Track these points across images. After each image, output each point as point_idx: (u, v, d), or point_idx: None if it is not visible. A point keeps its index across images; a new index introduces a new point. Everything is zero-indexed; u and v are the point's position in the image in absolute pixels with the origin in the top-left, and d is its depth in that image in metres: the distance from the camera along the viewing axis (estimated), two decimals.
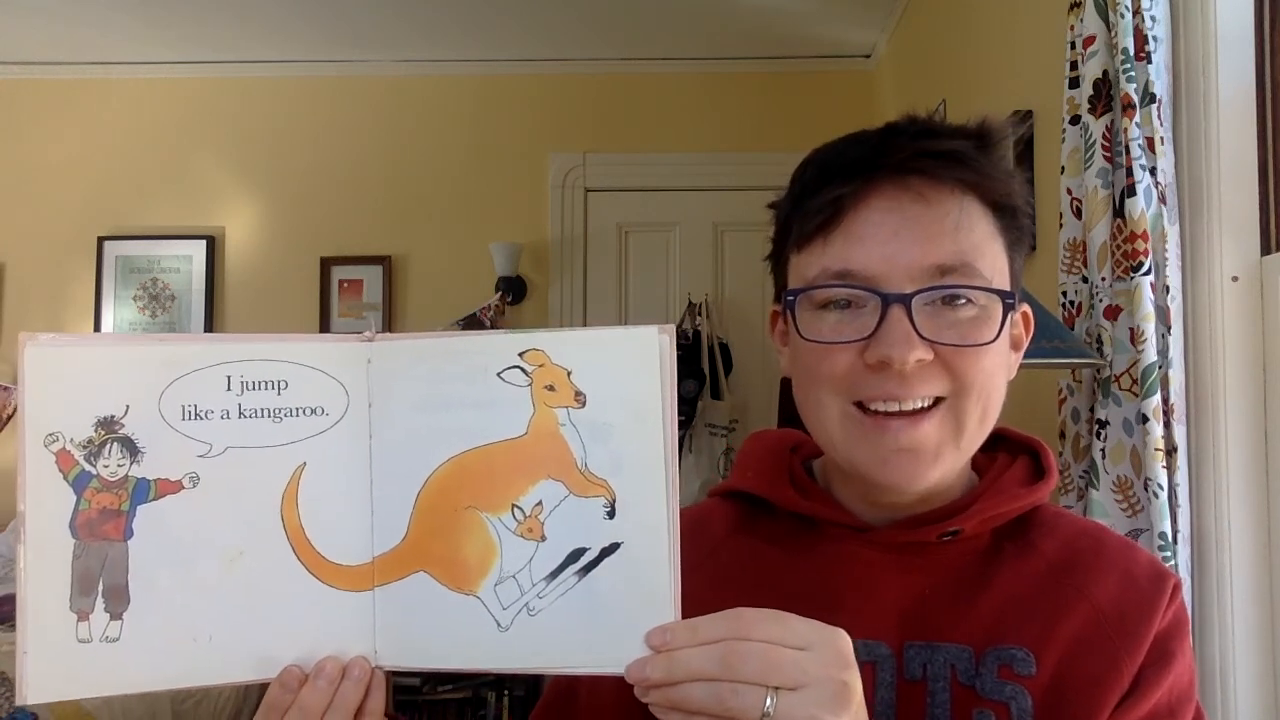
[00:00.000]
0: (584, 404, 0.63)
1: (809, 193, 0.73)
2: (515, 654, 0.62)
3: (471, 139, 3.70)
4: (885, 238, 0.70)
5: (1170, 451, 1.31)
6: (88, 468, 0.61)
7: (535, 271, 3.67)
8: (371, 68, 3.69)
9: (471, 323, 3.52)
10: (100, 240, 3.64)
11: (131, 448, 0.62)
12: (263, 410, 0.64)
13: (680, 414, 3.31)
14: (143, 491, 0.62)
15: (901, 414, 0.70)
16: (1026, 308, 0.80)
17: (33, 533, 0.60)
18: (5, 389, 3.56)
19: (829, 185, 0.72)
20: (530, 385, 0.63)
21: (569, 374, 0.63)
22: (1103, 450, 1.38)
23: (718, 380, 3.44)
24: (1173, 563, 1.27)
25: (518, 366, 0.64)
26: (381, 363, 0.65)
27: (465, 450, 0.64)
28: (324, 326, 3.62)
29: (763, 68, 3.68)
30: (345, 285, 3.65)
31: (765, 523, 0.82)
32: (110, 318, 3.63)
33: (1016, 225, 0.75)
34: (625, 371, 0.62)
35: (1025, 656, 0.71)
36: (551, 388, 0.63)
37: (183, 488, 0.62)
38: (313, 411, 0.64)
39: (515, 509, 0.63)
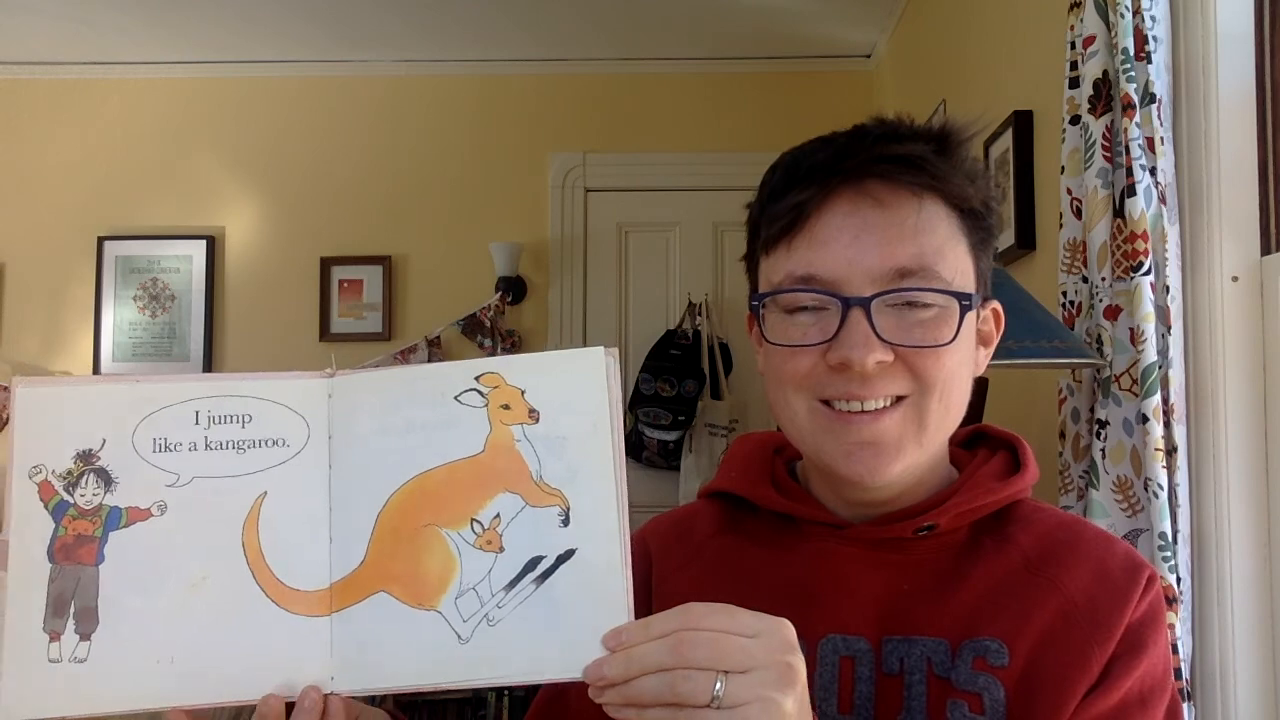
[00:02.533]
0: (538, 420, 0.66)
1: (775, 197, 0.76)
2: (475, 666, 0.64)
3: (471, 139, 3.70)
4: (846, 242, 0.72)
5: (1170, 451, 1.31)
6: (66, 497, 0.64)
7: (535, 271, 3.67)
8: (371, 68, 3.69)
9: (471, 323, 3.52)
10: (100, 240, 3.63)
11: (106, 478, 0.65)
12: (228, 442, 0.67)
13: (680, 414, 3.36)
14: (115, 519, 0.65)
15: (864, 412, 0.73)
16: (996, 304, 0.81)
17: (15, 557, 0.63)
18: (4, 389, 3.56)
19: (792, 190, 0.74)
20: (486, 405, 0.66)
21: (523, 393, 0.66)
22: (1103, 450, 1.38)
23: (718, 380, 3.45)
24: (1172, 563, 1.27)
25: (474, 389, 0.67)
26: (342, 396, 0.68)
27: (425, 470, 0.66)
28: (324, 326, 3.62)
29: (763, 68, 3.68)
30: (345, 285, 3.65)
31: (749, 522, 0.84)
32: (110, 318, 3.63)
33: (981, 226, 0.76)
34: (575, 389, 0.66)
35: (999, 648, 0.72)
36: (507, 406, 0.66)
37: (151, 515, 0.65)
38: (274, 443, 0.67)
39: (474, 523, 0.65)
